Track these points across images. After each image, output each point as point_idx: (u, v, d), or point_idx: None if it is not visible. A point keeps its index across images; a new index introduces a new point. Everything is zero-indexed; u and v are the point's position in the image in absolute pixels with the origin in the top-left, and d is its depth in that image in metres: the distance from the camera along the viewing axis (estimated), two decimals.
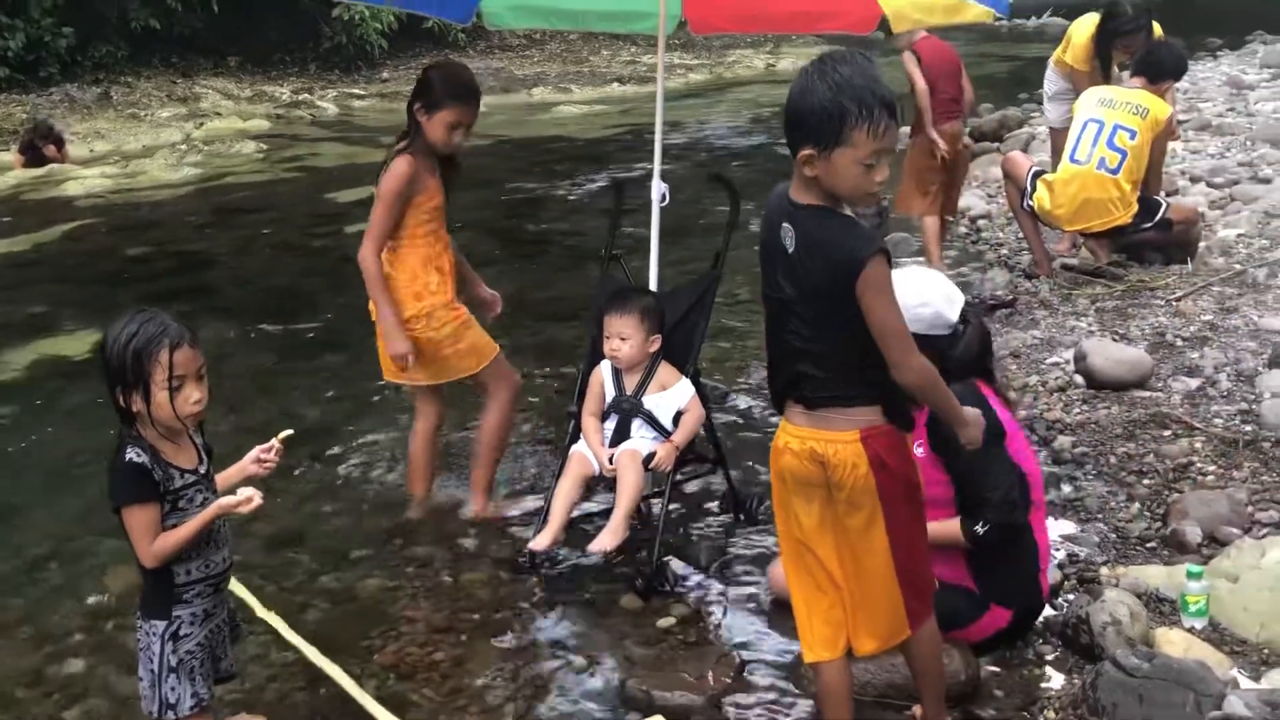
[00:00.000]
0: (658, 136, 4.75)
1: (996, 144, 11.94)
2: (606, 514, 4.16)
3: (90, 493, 4.64)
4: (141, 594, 2.88)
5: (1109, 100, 6.84)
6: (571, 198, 11.09)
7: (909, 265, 3.45)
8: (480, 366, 4.45)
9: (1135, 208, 6.78)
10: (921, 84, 7.12)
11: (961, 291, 3.51)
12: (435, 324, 4.33)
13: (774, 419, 5.43)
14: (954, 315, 3.36)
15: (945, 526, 3.32)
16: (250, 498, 2.76)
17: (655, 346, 4.28)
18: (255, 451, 2.94)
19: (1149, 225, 6.84)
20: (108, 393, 2.75)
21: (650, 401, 4.25)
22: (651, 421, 4.22)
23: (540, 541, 4.06)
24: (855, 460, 2.70)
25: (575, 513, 4.29)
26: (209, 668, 2.89)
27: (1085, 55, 7.88)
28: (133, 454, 2.71)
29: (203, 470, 2.86)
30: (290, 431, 3.00)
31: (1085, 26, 7.89)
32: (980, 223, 8.78)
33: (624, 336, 4.23)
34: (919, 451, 3.36)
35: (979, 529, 3.31)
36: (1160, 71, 6.89)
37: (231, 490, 2.86)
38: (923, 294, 3.33)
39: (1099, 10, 7.83)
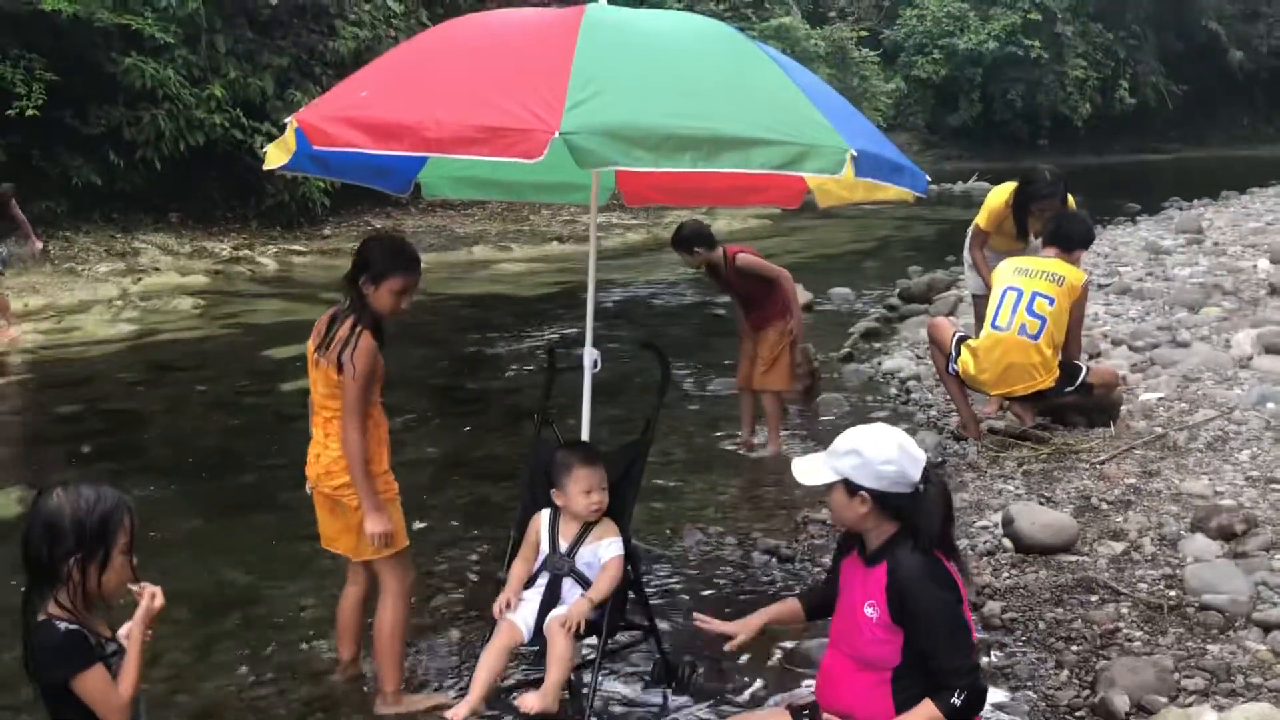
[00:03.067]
0: (589, 307, 4.83)
1: (925, 305, 12.25)
2: (535, 684, 4.11)
3: (5, 659, 4.51)
4: None
5: (1025, 269, 7.08)
6: (509, 355, 11.16)
7: (868, 425, 3.46)
8: (392, 551, 4.37)
9: (1057, 372, 6.96)
10: (784, 271, 7.33)
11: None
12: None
13: (706, 587, 5.45)
14: (916, 474, 3.35)
15: (921, 714, 3.25)
16: (147, 591, 2.78)
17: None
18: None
19: (1071, 389, 7.02)
20: (36, 560, 2.69)
21: (584, 556, 4.24)
22: (582, 582, 4.20)
23: (458, 712, 3.97)
24: None
25: (503, 681, 4.22)
26: None
27: (995, 219, 8.14)
28: (64, 625, 2.67)
29: (117, 642, 2.81)
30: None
31: (1000, 193, 8.18)
32: (910, 384, 8.95)
33: (603, 487, 4.27)
34: (871, 614, 3.34)
35: (956, 701, 3.23)
36: (1071, 242, 7.16)
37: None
38: (886, 451, 3.33)
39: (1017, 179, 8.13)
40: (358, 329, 4.21)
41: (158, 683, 4.62)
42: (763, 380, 7.44)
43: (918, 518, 3.33)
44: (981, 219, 8.27)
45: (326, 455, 4.33)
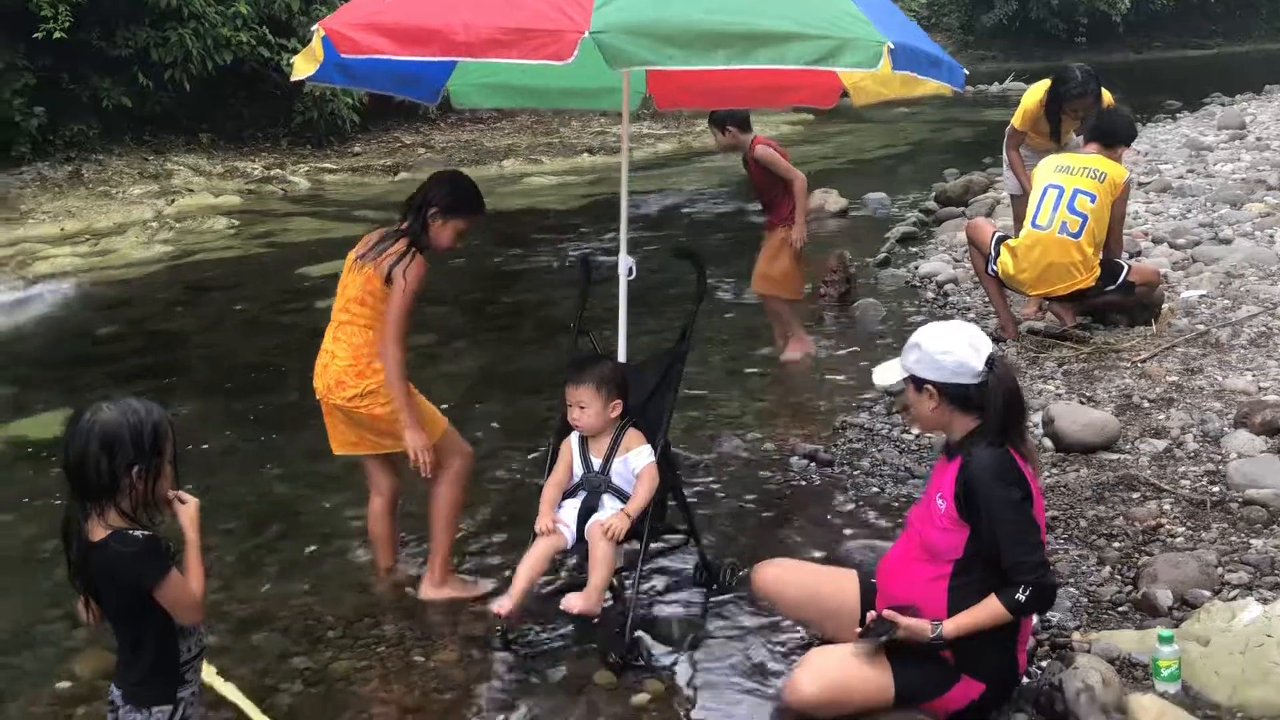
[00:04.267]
0: (623, 213, 4.79)
1: (962, 209, 12.09)
2: (578, 587, 4.15)
3: (58, 576, 4.59)
4: (127, 682, 2.84)
5: (1067, 167, 6.96)
6: (543, 269, 11.14)
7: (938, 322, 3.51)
8: (431, 440, 4.42)
9: (1098, 271, 6.87)
10: (799, 175, 7.11)
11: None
12: (384, 398, 4.36)
13: (745, 489, 5.47)
14: (979, 364, 3.35)
15: (987, 609, 3.27)
16: (182, 499, 2.87)
17: (616, 412, 4.27)
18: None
19: (1112, 288, 6.93)
20: (95, 473, 2.72)
21: (617, 469, 4.25)
22: (619, 495, 4.22)
23: (503, 604, 4.03)
24: None
25: (547, 589, 4.27)
26: None
27: (1030, 119, 8.01)
28: (139, 532, 2.74)
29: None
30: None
31: (1035, 92, 8.03)
32: (947, 287, 8.87)
33: (582, 405, 4.23)
34: (940, 504, 3.37)
35: (1020, 597, 3.25)
36: (1114, 138, 7.01)
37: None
38: (945, 342, 3.37)
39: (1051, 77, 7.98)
40: (413, 249, 4.30)
41: (209, 593, 4.69)
42: (759, 284, 7.37)
43: (984, 406, 3.35)
44: (1016, 119, 8.14)
45: (335, 365, 4.40)
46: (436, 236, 4.40)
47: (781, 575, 3.90)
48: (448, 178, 4.50)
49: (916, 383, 3.43)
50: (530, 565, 4.13)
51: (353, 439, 4.54)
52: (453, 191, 4.43)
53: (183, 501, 2.87)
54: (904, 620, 3.29)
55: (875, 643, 3.33)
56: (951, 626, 3.29)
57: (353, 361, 4.37)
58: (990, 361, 3.37)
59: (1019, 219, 7.68)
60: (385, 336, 4.27)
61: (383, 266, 4.28)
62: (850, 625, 3.54)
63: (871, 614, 3.38)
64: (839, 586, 3.79)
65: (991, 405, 3.34)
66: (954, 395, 3.38)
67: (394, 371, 4.27)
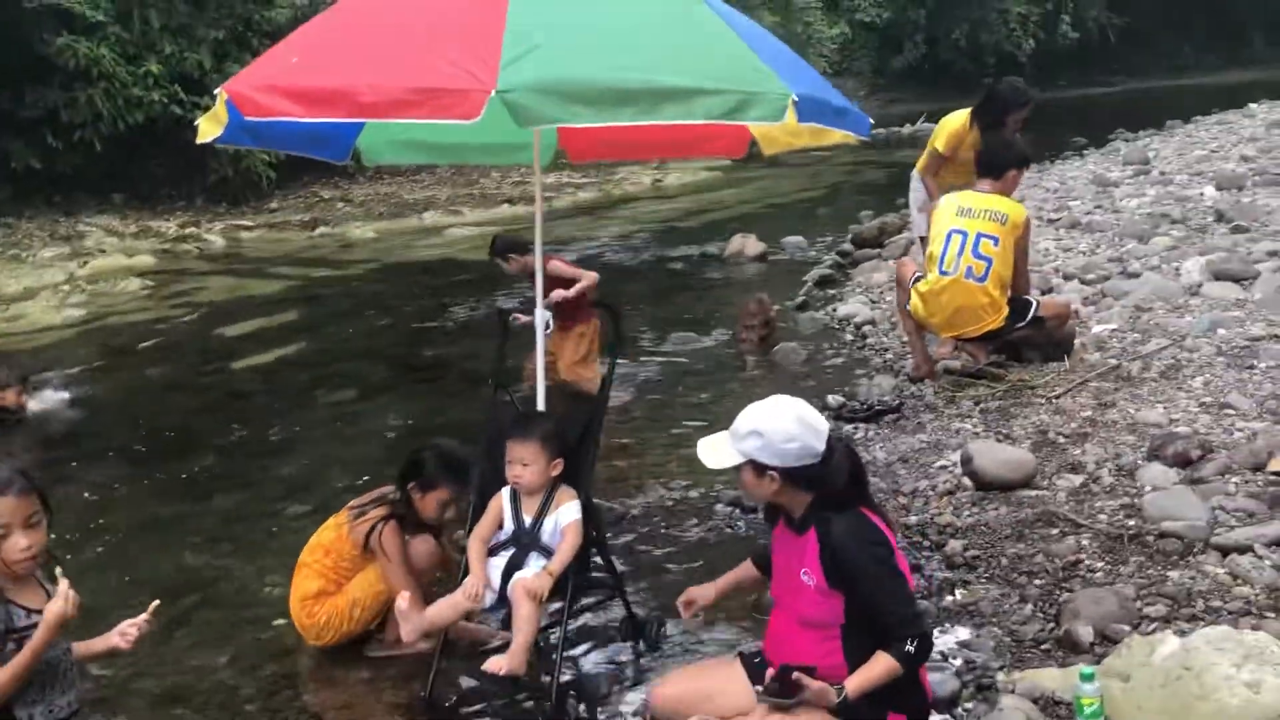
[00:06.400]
0: (538, 266, 4.80)
1: (877, 250, 12.25)
2: (502, 649, 4.10)
3: None
4: None
5: (968, 209, 7.02)
6: (464, 322, 11.09)
7: (766, 403, 3.48)
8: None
9: (1006, 310, 6.98)
10: (593, 274, 7.47)
11: (824, 419, 3.52)
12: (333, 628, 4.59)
13: (671, 542, 5.45)
14: (821, 444, 3.39)
15: (882, 665, 3.29)
16: (64, 593, 2.69)
17: (557, 471, 4.23)
18: (123, 625, 2.85)
19: (1022, 324, 7.04)
20: None
21: (547, 528, 4.21)
22: (546, 553, 4.17)
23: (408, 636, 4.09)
24: None
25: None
26: None
27: (954, 141, 8.02)
28: None
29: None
30: (158, 602, 2.92)
31: (955, 116, 8.08)
32: (865, 329, 8.97)
33: (525, 463, 4.18)
34: (808, 580, 3.40)
35: (909, 649, 3.28)
36: (1002, 167, 7.04)
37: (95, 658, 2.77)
38: (786, 428, 3.36)
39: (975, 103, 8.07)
40: (390, 519, 4.49)
41: (121, 669, 4.58)
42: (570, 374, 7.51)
43: (829, 484, 3.39)
44: (939, 141, 8.14)
45: (293, 596, 4.70)
46: (425, 510, 4.58)
47: (672, 695, 3.81)
48: (425, 453, 4.62)
49: (758, 468, 3.42)
50: (442, 614, 4.13)
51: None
52: (429, 465, 4.56)
53: (64, 599, 2.73)
54: (810, 683, 3.28)
55: (780, 704, 3.32)
56: (853, 687, 3.30)
57: (300, 602, 4.59)
58: (829, 443, 3.41)
59: (931, 260, 7.75)
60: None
61: (358, 531, 4.50)
62: (749, 708, 3.51)
63: (771, 670, 3.36)
64: (729, 680, 3.72)
65: (836, 481, 3.40)
66: (798, 478, 3.41)
67: None
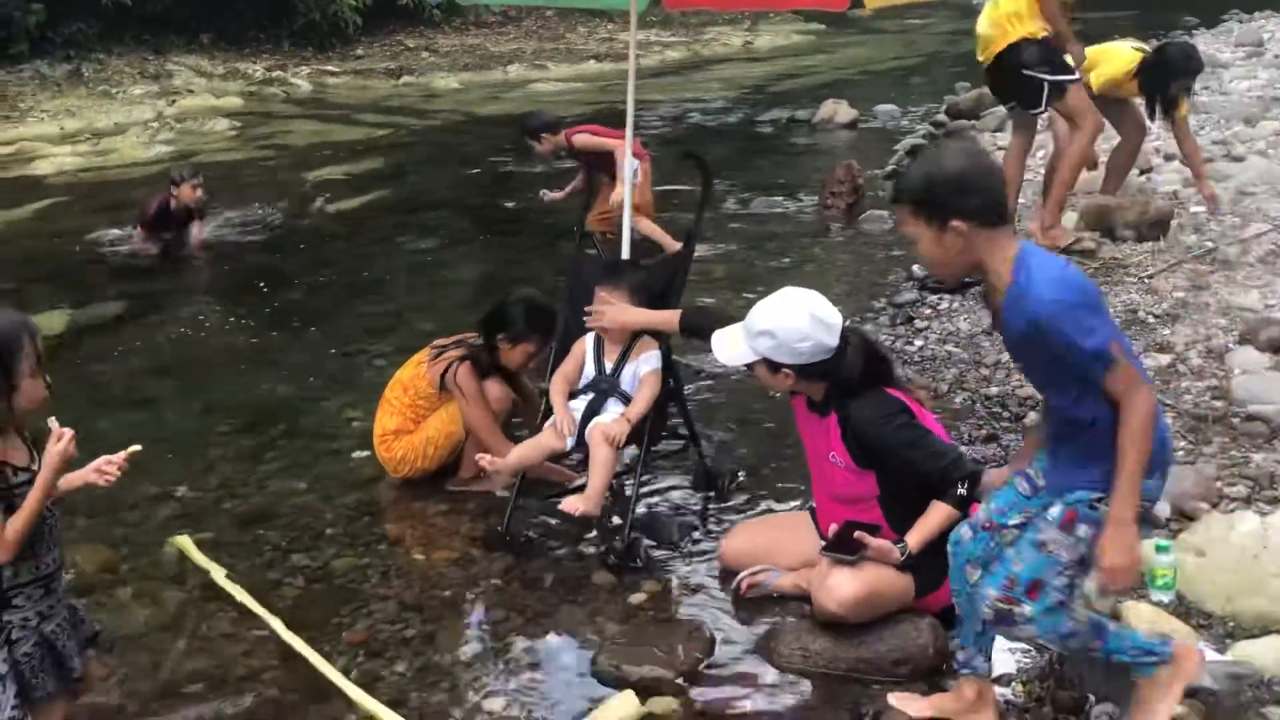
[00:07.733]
0: (629, 113, 4.73)
1: (973, 122, 11.96)
2: (578, 490, 4.17)
3: None
4: None
5: None
6: (547, 174, 11.03)
7: (778, 298, 3.48)
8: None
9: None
10: (619, 142, 7.06)
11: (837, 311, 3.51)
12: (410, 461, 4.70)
13: (748, 397, 5.45)
14: (834, 340, 3.40)
15: (939, 513, 3.34)
16: (61, 434, 2.67)
17: None
18: (99, 460, 2.85)
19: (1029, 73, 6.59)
20: None
21: (627, 375, 4.24)
22: (625, 399, 4.21)
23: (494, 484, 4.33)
24: None
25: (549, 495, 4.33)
26: (50, 673, 2.76)
27: (1111, 88, 7.41)
28: None
29: (35, 468, 2.72)
30: (138, 447, 2.90)
31: (1118, 56, 7.45)
32: None
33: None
34: (838, 461, 3.46)
35: (962, 490, 3.33)
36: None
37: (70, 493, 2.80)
38: (798, 327, 3.36)
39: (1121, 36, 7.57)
40: (465, 360, 4.54)
41: (207, 491, 4.72)
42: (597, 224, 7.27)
43: (842, 374, 3.41)
44: (1093, 80, 7.23)
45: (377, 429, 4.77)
46: (509, 360, 4.61)
47: (741, 547, 3.91)
48: (514, 304, 4.62)
49: (772, 365, 3.43)
50: (528, 454, 4.22)
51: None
52: (518, 318, 4.56)
53: (58, 439, 2.68)
54: (872, 542, 3.36)
55: (843, 559, 3.39)
56: (915, 540, 3.37)
57: (380, 437, 4.70)
58: (842, 336, 3.41)
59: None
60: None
61: (435, 370, 4.57)
62: (816, 561, 3.55)
63: (834, 526, 3.41)
64: (797, 532, 3.81)
65: (850, 373, 3.41)
66: (812, 373, 3.43)
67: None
